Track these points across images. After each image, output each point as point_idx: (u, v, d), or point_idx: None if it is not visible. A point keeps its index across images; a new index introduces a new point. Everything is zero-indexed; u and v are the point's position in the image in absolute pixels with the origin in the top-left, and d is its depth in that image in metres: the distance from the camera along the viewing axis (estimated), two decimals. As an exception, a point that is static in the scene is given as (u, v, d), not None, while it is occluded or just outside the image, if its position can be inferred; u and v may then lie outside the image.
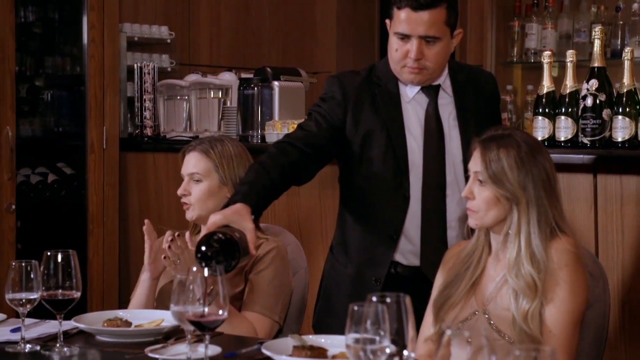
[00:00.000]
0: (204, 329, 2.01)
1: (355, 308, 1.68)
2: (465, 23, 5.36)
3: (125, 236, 4.84)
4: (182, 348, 2.19)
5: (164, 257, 2.76)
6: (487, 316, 2.33)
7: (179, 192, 2.91)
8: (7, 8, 4.38)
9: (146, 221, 2.81)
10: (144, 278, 2.85)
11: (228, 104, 4.79)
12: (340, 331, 1.85)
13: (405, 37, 2.68)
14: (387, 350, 1.67)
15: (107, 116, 4.75)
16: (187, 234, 2.80)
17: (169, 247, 2.72)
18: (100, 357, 2.25)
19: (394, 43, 2.73)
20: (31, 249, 4.25)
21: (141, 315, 2.57)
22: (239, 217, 2.38)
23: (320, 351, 2.13)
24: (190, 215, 2.90)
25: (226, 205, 2.46)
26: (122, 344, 2.34)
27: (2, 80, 4.36)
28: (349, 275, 2.83)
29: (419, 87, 2.78)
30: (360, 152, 2.78)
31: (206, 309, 1.99)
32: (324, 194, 3.80)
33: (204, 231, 2.88)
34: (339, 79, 2.84)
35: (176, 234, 2.74)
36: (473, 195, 2.36)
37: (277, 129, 4.17)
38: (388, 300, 1.66)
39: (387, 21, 2.76)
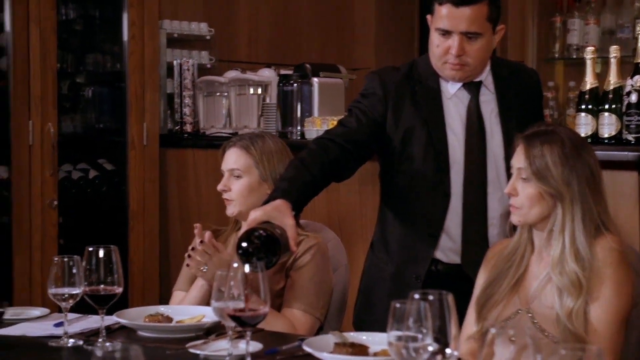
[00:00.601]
0: (244, 324, 2.01)
1: (397, 305, 1.67)
2: (506, 19, 5.31)
3: (165, 232, 4.86)
4: (223, 344, 2.19)
5: (187, 265, 2.75)
6: (530, 315, 2.31)
7: (219, 187, 2.92)
8: (48, 6, 4.41)
9: (197, 225, 2.75)
10: (202, 282, 2.77)
11: (267, 100, 4.79)
12: (380, 328, 1.84)
13: (446, 33, 2.66)
14: (430, 348, 1.66)
15: (147, 112, 4.78)
16: (208, 234, 2.74)
17: (189, 255, 2.71)
18: (142, 352, 2.25)
19: (435, 39, 2.71)
20: (73, 245, 4.29)
21: (182, 311, 2.58)
22: (280, 213, 2.38)
23: (362, 348, 2.12)
24: (230, 211, 2.90)
25: (266, 202, 2.46)
26: (163, 339, 2.35)
27: (45, 78, 4.40)
28: (389, 272, 2.82)
29: (460, 84, 2.76)
30: (400, 148, 2.76)
31: (247, 305, 1.99)
32: (364, 190, 3.79)
33: (244, 227, 2.89)
34: (379, 75, 2.83)
35: (198, 240, 2.70)
36: (516, 191, 2.34)
37: (317, 126, 4.17)
38: (430, 297, 1.65)
39: (428, 17, 2.74)
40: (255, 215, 2.37)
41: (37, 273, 4.35)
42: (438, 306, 1.65)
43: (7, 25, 4.34)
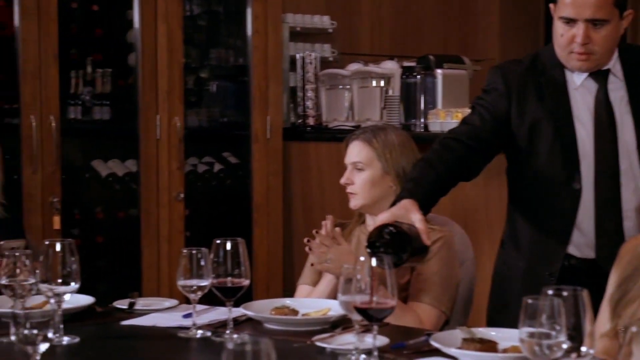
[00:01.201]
0: (371, 319, 2.00)
1: (530, 302, 1.64)
2: (635, 1, 5.14)
3: (288, 225, 4.89)
4: (349, 338, 2.18)
5: (312, 264, 2.75)
6: (669, 313, 2.22)
7: (342, 181, 2.91)
8: (175, 2, 4.49)
9: (329, 217, 2.74)
10: (331, 277, 2.76)
11: (390, 92, 4.77)
12: (514, 326, 1.80)
13: (570, 22, 2.58)
14: (564, 346, 1.61)
15: (270, 106, 4.81)
16: (331, 226, 2.75)
17: (309, 248, 2.71)
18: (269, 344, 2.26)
19: (559, 28, 2.63)
20: (199, 237, 4.36)
21: (308, 304, 2.58)
22: (406, 211, 2.35)
23: (490, 344, 2.07)
24: (354, 204, 2.89)
25: (393, 204, 2.43)
26: (289, 332, 2.36)
27: (171, 72, 4.48)
28: (521, 270, 2.75)
29: (586, 73, 2.67)
30: (526, 144, 2.69)
31: (374, 299, 1.98)
32: (490, 184, 3.73)
33: (368, 221, 2.88)
34: (500, 70, 2.76)
35: (314, 230, 2.70)
36: (653, 183, 2.25)
37: (441, 118, 4.13)
38: (564, 294, 1.61)
39: (552, 5, 2.66)
40: (383, 217, 2.35)
41: (164, 265, 4.44)
42: (572, 303, 1.61)
43: (136, 22, 4.45)
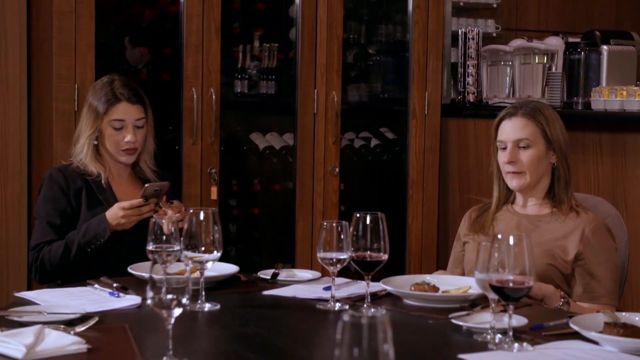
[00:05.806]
0: (507, 298, 1.95)
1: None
2: None
3: (444, 202, 4.84)
4: (486, 317, 2.13)
5: None
6: None
7: (507, 159, 2.78)
8: (339, -25, 4.50)
9: None
10: None
11: (553, 69, 4.63)
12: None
13: None
14: None
15: (429, 82, 4.76)
16: None
17: None
18: (405, 320, 2.25)
19: None
20: (353, 212, 4.36)
21: (449, 281, 2.55)
22: None
23: (635, 330, 1.98)
24: (520, 183, 2.78)
25: None
26: (427, 308, 2.33)
27: (330, 47, 4.49)
28: None
29: None
30: None
31: (511, 277, 1.93)
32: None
33: (518, 201, 2.80)
34: None
35: None
36: None
37: (604, 96, 3.97)
38: None
39: None
40: None
41: (318, 238, 4.46)
42: None
43: (298, -4, 4.49)
